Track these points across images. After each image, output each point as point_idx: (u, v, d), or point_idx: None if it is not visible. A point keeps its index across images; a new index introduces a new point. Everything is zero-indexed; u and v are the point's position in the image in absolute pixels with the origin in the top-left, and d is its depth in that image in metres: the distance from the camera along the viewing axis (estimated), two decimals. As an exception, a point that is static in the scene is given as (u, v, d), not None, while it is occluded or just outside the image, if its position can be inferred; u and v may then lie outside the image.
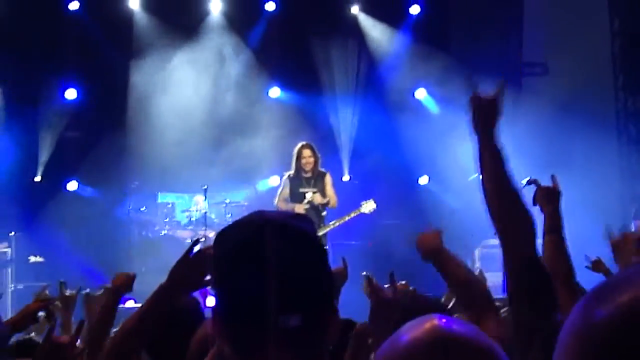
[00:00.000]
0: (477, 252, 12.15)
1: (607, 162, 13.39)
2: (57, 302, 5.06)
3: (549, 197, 3.51)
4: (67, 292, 5.60)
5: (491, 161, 2.73)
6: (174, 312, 3.40)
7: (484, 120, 2.79)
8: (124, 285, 4.15)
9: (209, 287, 3.91)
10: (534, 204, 3.51)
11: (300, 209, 10.62)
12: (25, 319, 4.14)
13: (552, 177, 3.61)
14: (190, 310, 3.50)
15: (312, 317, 1.63)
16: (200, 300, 4.32)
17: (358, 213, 10.86)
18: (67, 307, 5.18)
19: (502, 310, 3.47)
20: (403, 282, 5.81)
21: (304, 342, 1.62)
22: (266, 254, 1.62)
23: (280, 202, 11.00)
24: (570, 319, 1.14)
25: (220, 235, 1.72)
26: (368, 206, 10.87)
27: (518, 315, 2.59)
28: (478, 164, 2.76)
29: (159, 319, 2.89)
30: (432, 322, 1.30)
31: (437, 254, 3.45)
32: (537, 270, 2.64)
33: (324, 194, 10.74)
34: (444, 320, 1.29)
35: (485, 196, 2.73)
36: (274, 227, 1.66)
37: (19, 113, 13.40)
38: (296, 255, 1.64)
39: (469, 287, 3.26)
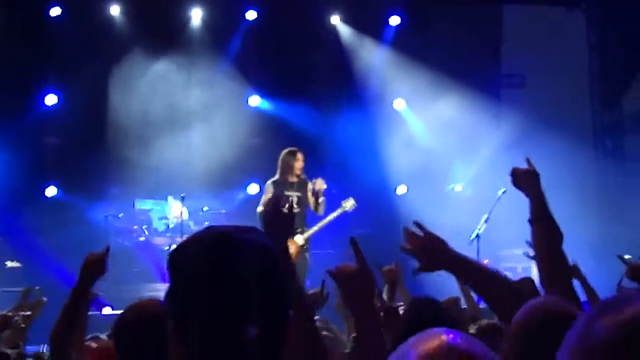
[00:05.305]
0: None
1: (584, 174, 13.48)
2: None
3: (528, 180, 3.46)
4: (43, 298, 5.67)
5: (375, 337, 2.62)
6: (147, 320, 3.40)
7: (359, 294, 2.65)
8: (96, 269, 3.87)
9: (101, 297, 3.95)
10: (515, 186, 3.46)
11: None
12: None
13: (527, 160, 3.56)
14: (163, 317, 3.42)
15: (268, 328, 1.65)
16: (97, 308, 4.32)
17: (340, 212, 10.87)
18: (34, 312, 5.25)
19: None
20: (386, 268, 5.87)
21: (260, 353, 1.64)
22: (220, 268, 1.64)
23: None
24: (572, 332, 1.17)
25: (174, 253, 1.74)
26: (348, 204, 10.89)
27: None
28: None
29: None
30: (440, 337, 1.29)
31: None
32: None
33: (305, 200, 10.77)
34: (451, 335, 1.29)
35: None
36: (226, 241, 1.68)
37: (-2, 118, 13.34)
38: (250, 267, 1.66)
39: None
